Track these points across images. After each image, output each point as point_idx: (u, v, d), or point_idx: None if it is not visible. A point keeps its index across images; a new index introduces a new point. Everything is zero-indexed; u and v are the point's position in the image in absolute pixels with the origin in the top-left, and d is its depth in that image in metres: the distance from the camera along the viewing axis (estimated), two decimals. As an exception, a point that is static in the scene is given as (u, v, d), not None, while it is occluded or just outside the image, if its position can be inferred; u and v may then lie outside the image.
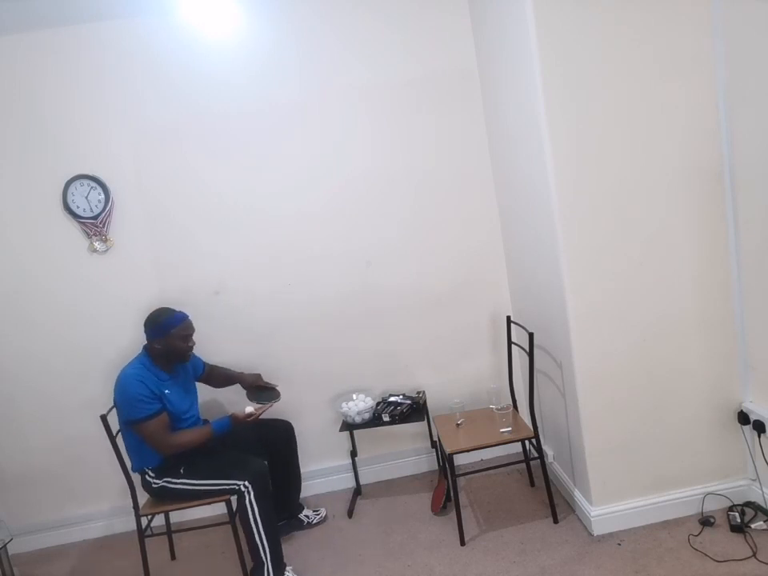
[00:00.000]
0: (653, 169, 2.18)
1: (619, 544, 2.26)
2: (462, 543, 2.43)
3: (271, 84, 2.86)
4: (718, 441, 2.32)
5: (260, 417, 2.45)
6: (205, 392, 2.76)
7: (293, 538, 2.69)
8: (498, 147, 2.84)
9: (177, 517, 2.81)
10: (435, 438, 2.91)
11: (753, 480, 2.32)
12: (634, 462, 2.32)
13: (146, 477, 2.37)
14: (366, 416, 2.82)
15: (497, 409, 2.63)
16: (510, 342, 2.86)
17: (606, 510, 2.33)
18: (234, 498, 2.31)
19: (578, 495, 2.47)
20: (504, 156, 2.77)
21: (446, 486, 2.72)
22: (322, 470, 3.08)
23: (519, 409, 2.82)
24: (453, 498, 2.48)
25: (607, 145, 2.16)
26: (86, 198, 2.81)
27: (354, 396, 2.93)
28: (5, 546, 2.65)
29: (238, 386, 2.73)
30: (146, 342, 2.42)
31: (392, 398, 2.91)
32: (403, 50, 2.87)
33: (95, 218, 2.82)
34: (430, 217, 2.98)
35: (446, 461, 2.58)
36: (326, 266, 2.96)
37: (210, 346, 2.80)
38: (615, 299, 2.24)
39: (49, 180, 2.81)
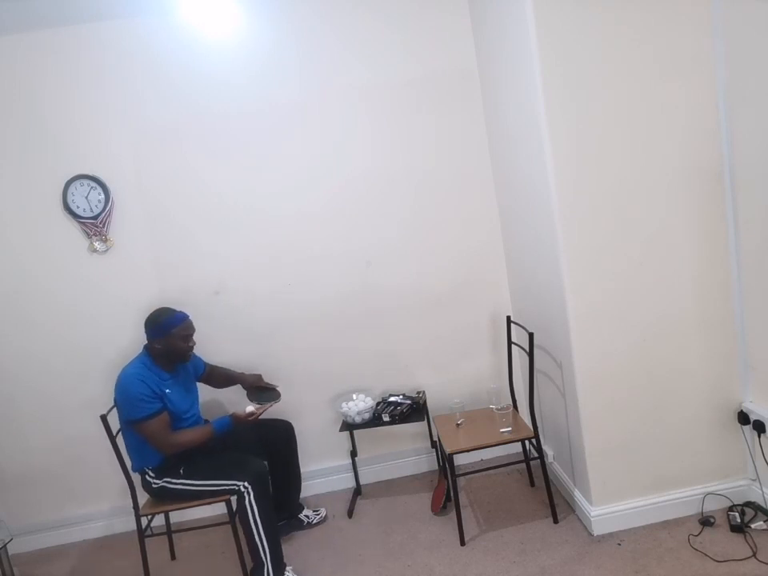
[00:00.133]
0: (653, 169, 2.18)
1: (619, 544, 2.26)
2: (462, 543, 2.43)
3: (271, 84, 2.86)
4: (718, 441, 2.32)
5: (260, 417, 2.46)
6: (205, 392, 2.76)
7: (293, 538, 2.69)
8: (497, 147, 2.84)
9: (177, 517, 2.81)
10: (435, 438, 2.91)
11: (753, 480, 2.32)
12: (634, 462, 2.32)
13: (146, 477, 2.37)
14: (366, 416, 2.82)
15: (497, 409, 2.63)
16: (509, 342, 2.86)
17: (606, 510, 2.33)
18: (233, 498, 2.31)
19: (577, 495, 2.48)
20: (504, 156, 2.77)
21: (445, 486, 2.72)
22: (322, 469, 3.08)
23: (519, 409, 2.82)
24: (453, 498, 2.48)
25: (607, 145, 2.16)
26: (86, 197, 2.81)
27: (354, 396, 2.93)
28: (5, 546, 2.65)
29: (238, 386, 2.73)
30: (147, 342, 2.43)
31: (392, 398, 2.91)
32: (403, 50, 2.87)
33: (95, 218, 2.82)
34: (430, 217, 2.98)
35: (445, 461, 2.58)
36: (325, 265, 2.96)
37: (210, 346, 2.80)
38: (615, 299, 2.24)
39: (49, 180, 2.81)
